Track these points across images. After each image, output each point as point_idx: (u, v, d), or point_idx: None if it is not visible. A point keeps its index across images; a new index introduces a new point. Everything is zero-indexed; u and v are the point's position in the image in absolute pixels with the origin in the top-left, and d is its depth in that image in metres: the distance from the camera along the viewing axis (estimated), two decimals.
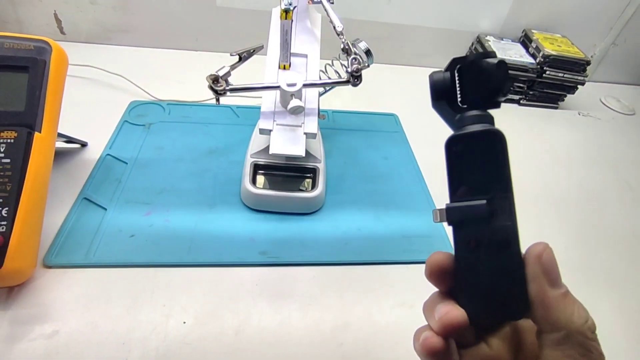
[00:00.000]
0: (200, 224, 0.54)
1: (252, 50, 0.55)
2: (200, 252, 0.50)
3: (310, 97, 0.55)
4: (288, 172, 0.60)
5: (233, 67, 0.54)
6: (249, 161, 0.59)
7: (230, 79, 0.53)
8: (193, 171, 0.62)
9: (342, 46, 0.52)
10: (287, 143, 0.52)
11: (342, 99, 0.84)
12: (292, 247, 0.53)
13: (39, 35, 0.48)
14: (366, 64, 0.52)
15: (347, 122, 0.77)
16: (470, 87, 0.24)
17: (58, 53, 0.48)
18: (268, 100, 0.55)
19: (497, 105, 0.24)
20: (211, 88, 0.51)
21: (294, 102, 0.49)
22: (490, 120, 0.24)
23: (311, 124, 0.53)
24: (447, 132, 0.27)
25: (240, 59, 0.55)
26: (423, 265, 0.53)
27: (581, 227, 0.65)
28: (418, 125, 0.80)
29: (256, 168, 0.59)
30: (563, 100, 0.94)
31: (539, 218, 0.64)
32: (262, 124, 0.53)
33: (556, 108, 0.95)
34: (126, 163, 0.61)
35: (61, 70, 0.49)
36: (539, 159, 0.79)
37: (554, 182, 0.73)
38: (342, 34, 0.54)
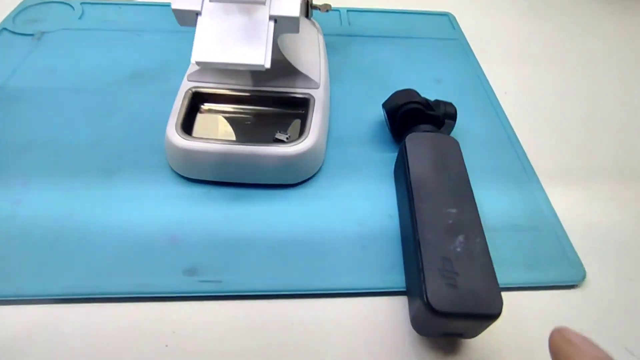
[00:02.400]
0: (79, 209, 0.28)
1: None
2: (63, 273, 0.25)
3: None
4: (256, 107, 0.33)
5: None
6: (184, 88, 0.32)
7: None
8: (95, 109, 0.35)
9: None
10: (233, 40, 0.23)
11: None
12: (251, 258, 0.26)
13: None
14: None
15: (373, 26, 0.47)
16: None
17: None
18: None
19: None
20: None
21: None
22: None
23: None
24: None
25: None
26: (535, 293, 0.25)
27: None
28: (487, 29, 0.49)
29: (196, 100, 0.32)
30: None
31: None
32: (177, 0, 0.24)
33: None
34: None
35: None
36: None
37: None
38: None
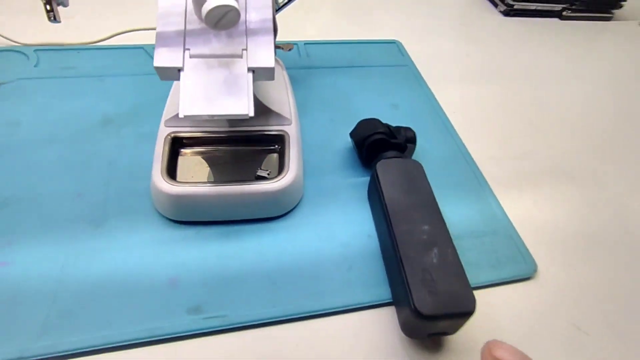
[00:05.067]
0: (72, 262, 0.28)
1: None
2: (68, 327, 0.25)
3: None
4: (234, 147, 0.35)
5: None
6: (162, 134, 0.33)
7: None
8: (70, 160, 0.35)
9: None
10: (216, 93, 0.26)
11: (318, 24, 0.57)
12: (250, 290, 0.28)
13: None
14: None
15: (330, 57, 0.50)
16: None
17: None
18: (168, 9, 0.27)
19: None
20: None
21: (216, 0, 0.22)
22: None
23: (263, 51, 0.27)
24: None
25: None
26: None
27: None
28: (431, 54, 0.54)
29: (176, 145, 0.33)
30: (620, 6, 0.69)
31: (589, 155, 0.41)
32: (160, 57, 0.26)
33: (609, 19, 0.70)
34: None
35: None
36: (587, 83, 0.54)
37: (613, 113, 0.49)
38: None
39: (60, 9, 0.27)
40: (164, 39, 0.26)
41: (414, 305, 0.24)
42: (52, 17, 0.25)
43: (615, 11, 0.70)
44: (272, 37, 0.27)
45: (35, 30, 0.48)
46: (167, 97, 0.37)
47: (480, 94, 0.49)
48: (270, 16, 0.28)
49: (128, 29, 0.48)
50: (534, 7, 0.67)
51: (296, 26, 0.54)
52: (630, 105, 0.52)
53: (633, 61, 0.61)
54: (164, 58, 0.26)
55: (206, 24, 0.23)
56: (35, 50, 0.46)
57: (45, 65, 0.44)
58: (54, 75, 0.43)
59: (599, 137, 0.46)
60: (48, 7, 0.24)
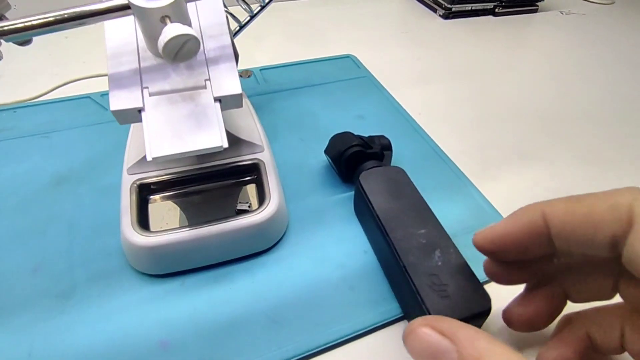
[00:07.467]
0: (40, 346, 0.25)
1: None
2: None
3: (211, 24, 0.27)
4: (207, 184, 0.32)
5: None
6: (127, 183, 0.30)
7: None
8: (23, 228, 0.31)
9: None
10: (184, 128, 0.24)
11: (270, 50, 0.56)
12: (250, 334, 0.26)
13: None
14: None
15: (287, 79, 0.50)
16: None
17: None
18: (118, 49, 0.25)
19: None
20: None
21: (173, 30, 0.21)
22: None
23: (227, 78, 0.25)
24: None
25: None
26: None
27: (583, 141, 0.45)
28: (385, 63, 0.55)
29: (143, 192, 0.31)
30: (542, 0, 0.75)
31: (535, 134, 0.44)
32: (116, 100, 0.24)
33: (536, 11, 0.76)
34: None
35: None
36: (526, 71, 0.58)
37: (553, 94, 0.53)
38: None
39: None
40: (117, 80, 0.24)
41: (429, 314, 0.22)
42: None
43: (540, 3, 0.76)
44: (234, 63, 0.26)
45: None
46: (123, 144, 0.34)
47: (437, 93, 0.51)
48: (229, 42, 0.26)
49: (70, 79, 0.45)
50: (470, 8, 0.71)
51: (247, 54, 0.53)
52: (561, 83, 0.55)
53: (559, 44, 0.66)
54: (121, 101, 0.23)
55: (164, 57, 0.21)
56: None
57: None
58: None
59: (542, 117, 0.48)
60: None
